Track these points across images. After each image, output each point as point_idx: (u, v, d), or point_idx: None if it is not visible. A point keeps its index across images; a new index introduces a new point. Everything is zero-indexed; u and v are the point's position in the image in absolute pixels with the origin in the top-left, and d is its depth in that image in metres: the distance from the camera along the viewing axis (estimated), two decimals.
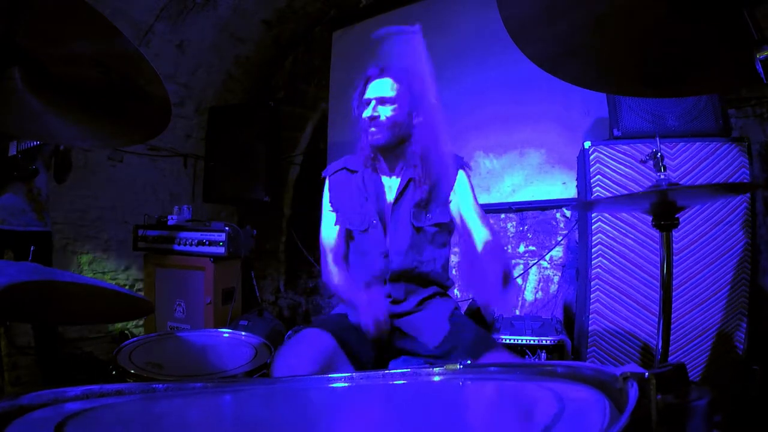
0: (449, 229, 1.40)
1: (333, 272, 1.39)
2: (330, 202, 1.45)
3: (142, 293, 2.79)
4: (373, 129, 1.32)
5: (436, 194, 1.36)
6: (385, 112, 1.31)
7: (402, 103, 1.32)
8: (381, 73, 1.33)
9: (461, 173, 1.38)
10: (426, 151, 1.33)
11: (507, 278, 0.99)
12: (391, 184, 1.40)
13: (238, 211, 3.72)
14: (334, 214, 1.43)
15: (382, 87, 1.32)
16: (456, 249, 2.86)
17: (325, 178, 1.50)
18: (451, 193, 1.36)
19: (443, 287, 1.41)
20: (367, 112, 1.32)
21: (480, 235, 1.29)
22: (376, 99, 1.32)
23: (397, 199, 1.37)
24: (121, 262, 3.00)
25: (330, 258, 1.42)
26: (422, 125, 1.34)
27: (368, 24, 3.29)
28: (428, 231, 1.35)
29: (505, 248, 1.33)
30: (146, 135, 0.93)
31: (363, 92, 1.35)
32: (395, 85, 1.32)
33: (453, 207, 1.36)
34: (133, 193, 3.10)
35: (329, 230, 1.44)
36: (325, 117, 3.45)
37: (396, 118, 1.31)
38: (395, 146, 1.36)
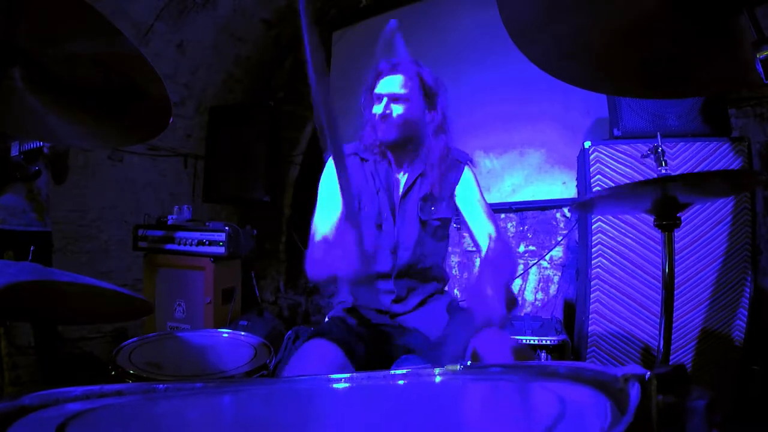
0: (449, 223, 1.42)
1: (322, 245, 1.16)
2: None
3: (141, 293, 2.79)
4: (384, 126, 1.29)
5: (441, 189, 1.35)
6: (397, 110, 1.28)
7: (414, 101, 1.30)
8: (393, 69, 1.30)
9: (467, 169, 1.39)
10: (435, 148, 1.33)
11: (509, 301, 0.92)
12: (399, 178, 1.39)
13: (238, 211, 3.72)
14: (334, 203, 1.25)
15: (394, 83, 1.29)
16: (456, 249, 2.87)
17: (328, 160, 1.36)
18: (457, 188, 1.37)
19: (442, 283, 1.42)
20: (378, 109, 1.29)
21: (484, 231, 1.28)
22: (388, 96, 1.28)
23: (406, 192, 1.36)
24: (121, 262, 3.00)
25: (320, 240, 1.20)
26: (433, 123, 1.33)
27: (368, 24, 3.29)
28: (432, 224, 1.36)
29: (512, 247, 1.25)
30: (146, 135, 0.93)
31: (373, 87, 1.32)
32: (408, 83, 1.29)
33: (458, 202, 1.37)
34: (133, 193, 3.10)
35: (325, 220, 1.26)
36: None
37: (407, 116, 1.29)
38: (405, 143, 1.33)
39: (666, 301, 1.06)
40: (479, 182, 1.40)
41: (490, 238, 1.26)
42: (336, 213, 1.24)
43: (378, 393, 0.64)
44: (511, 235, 2.74)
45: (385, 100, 1.28)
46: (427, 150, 1.34)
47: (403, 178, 1.39)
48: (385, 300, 1.33)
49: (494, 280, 0.95)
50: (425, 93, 1.32)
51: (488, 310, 0.88)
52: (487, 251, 1.22)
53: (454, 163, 1.38)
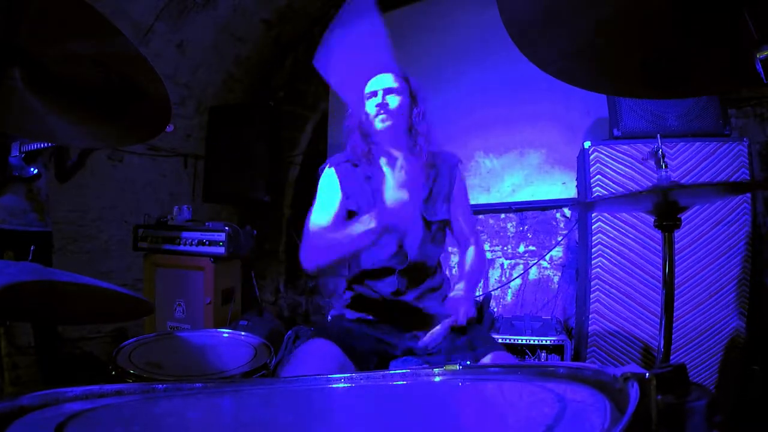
0: (446, 226, 1.42)
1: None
2: (342, 189, 1.37)
3: (141, 293, 2.79)
4: (383, 115, 1.33)
5: (439, 191, 1.38)
6: (393, 101, 1.35)
7: (405, 95, 1.37)
8: (382, 69, 1.38)
9: (458, 171, 1.43)
10: (428, 145, 1.37)
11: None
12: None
13: (238, 211, 3.72)
14: (333, 200, 1.35)
15: (387, 79, 1.37)
16: (454, 249, 2.88)
17: (326, 168, 1.42)
18: (453, 191, 1.39)
19: (438, 283, 1.41)
20: (377, 100, 1.34)
21: (467, 237, 1.43)
22: (383, 90, 1.35)
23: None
24: (121, 262, 3.00)
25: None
26: (421, 118, 1.38)
27: None
28: (433, 227, 1.37)
29: (484, 254, 1.31)
30: (146, 135, 0.93)
31: (364, 87, 1.38)
32: (398, 79, 1.37)
33: (451, 205, 1.39)
34: (133, 193, 3.10)
35: (323, 214, 1.33)
36: (325, 117, 3.45)
37: (402, 106, 1.36)
38: (398, 136, 1.36)
39: (666, 301, 1.06)
40: (465, 185, 1.47)
41: (469, 243, 1.44)
42: (333, 211, 1.34)
43: (377, 393, 0.64)
44: (511, 235, 2.74)
45: (380, 92, 1.35)
46: (423, 145, 1.36)
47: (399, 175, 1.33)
48: (384, 290, 1.34)
49: (471, 286, 1.31)
50: (411, 91, 1.40)
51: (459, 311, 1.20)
52: (467, 258, 1.42)
53: (447, 164, 1.41)
